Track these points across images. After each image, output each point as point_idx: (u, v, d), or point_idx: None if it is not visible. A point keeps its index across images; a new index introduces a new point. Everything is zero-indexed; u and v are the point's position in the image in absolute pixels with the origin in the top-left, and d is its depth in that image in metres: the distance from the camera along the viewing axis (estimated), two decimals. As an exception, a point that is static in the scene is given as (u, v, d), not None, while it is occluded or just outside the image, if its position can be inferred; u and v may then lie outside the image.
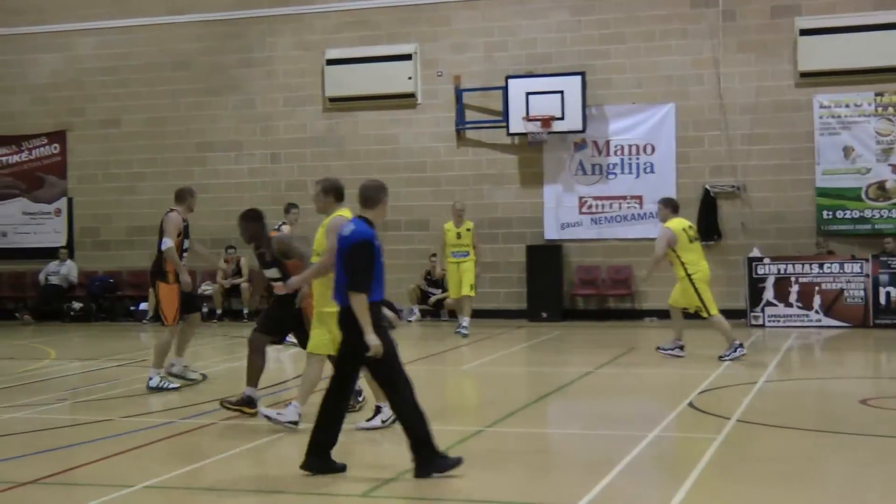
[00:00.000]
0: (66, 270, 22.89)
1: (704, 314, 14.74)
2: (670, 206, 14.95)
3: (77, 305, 22.60)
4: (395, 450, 9.04)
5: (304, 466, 8.17)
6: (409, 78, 21.53)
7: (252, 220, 10.92)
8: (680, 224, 14.72)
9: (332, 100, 22.05)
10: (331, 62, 21.86)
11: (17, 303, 23.48)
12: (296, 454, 8.89)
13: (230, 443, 9.59)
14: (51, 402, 12.27)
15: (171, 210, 12.86)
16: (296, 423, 9.77)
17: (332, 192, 9.69)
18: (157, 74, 23.06)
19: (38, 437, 10.12)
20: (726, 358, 14.37)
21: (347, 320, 8.01)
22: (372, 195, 8.29)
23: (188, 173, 22.69)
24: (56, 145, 23.54)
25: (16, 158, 23.76)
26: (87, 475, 8.63)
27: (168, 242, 12.44)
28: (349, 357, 8.12)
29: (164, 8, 23.07)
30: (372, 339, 7.84)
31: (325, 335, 9.41)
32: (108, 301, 22.81)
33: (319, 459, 8.17)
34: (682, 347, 14.91)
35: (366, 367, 8.18)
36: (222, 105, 22.80)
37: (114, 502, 7.73)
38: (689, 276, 14.53)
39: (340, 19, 22.21)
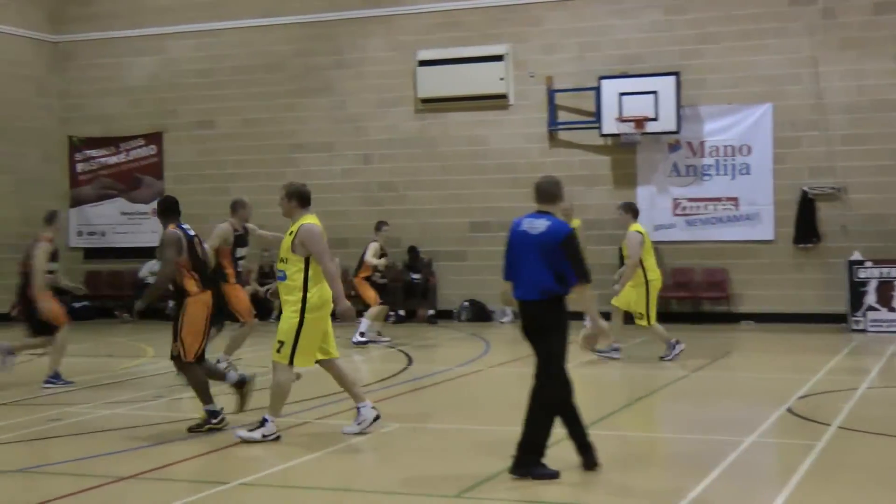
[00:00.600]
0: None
1: (644, 323, 14.82)
2: (631, 211, 15.18)
3: (171, 304, 22.87)
4: (490, 450, 8.98)
5: (513, 470, 8.02)
6: (501, 79, 21.45)
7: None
8: (643, 229, 15.02)
9: (424, 101, 22.06)
10: (423, 63, 21.87)
11: (115, 301, 23.86)
12: (386, 455, 8.89)
13: (322, 442, 9.61)
14: (148, 398, 12.44)
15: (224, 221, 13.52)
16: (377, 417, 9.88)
17: (296, 197, 9.73)
18: (251, 76, 23.29)
19: (135, 433, 10.25)
20: (668, 358, 14.59)
21: (547, 312, 8.01)
22: (554, 191, 8.35)
23: (280, 174, 22.82)
24: (153, 146, 23.91)
25: (114, 160, 24.18)
26: (183, 471, 8.72)
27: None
28: (548, 352, 8.05)
29: (258, 11, 23.30)
30: (603, 323, 7.85)
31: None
32: (202, 299, 23.05)
33: (530, 460, 8.01)
34: (618, 349, 14.98)
35: (541, 351, 8.06)
36: (314, 106, 22.95)
37: (209, 499, 7.78)
38: (647, 282, 14.74)
39: (431, 20, 22.21)
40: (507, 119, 21.80)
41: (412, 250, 21.68)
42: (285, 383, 9.70)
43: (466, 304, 21.46)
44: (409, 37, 22.27)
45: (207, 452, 9.29)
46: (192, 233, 10.41)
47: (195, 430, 10.07)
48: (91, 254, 24.29)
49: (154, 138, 23.88)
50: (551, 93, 21.34)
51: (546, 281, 7.99)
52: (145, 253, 22.89)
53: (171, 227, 10.30)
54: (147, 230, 23.54)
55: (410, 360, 15.41)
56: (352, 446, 9.50)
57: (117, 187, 24.12)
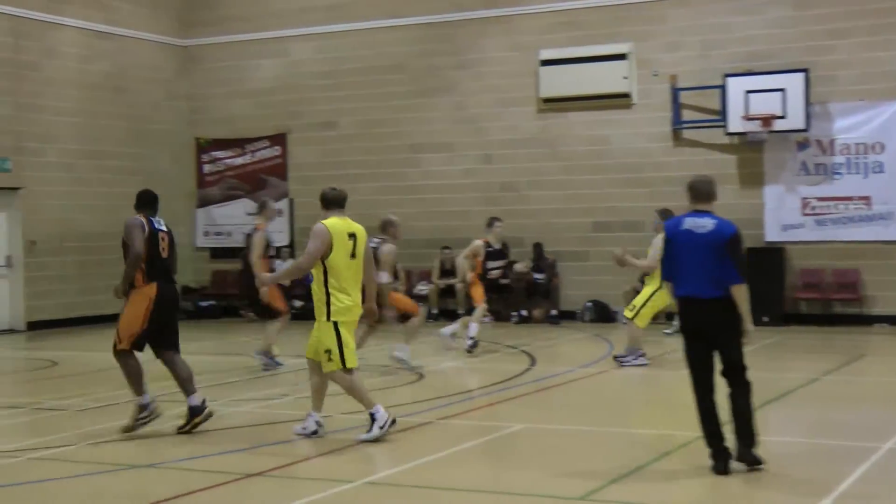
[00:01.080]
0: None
1: (630, 315, 14.59)
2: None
3: (298, 304, 23.15)
4: (615, 451, 8.86)
5: (741, 459, 8.16)
6: (624, 78, 21.21)
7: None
8: None
9: (546, 100, 21.93)
10: (544, 63, 21.74)
11: (241, 300, 24.20)
12: (511, 456, 8.84)
13: (449, 441, 9.60)
14: (274, 396, 12.58)
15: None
16: (315, 432, 9.80)
17: (320, 201, 9.90)
18: (372, 77, 23.45)
19: (261, 431, 10.37)
20: (624, 362, 14.42)
21: (722, 309, 8.13)
22: (710, 189, 8.48)
23: (402, 174, 23.02)
24: (277, 147, 24.24)
25: (239, 161, 24.59)
26: (308, 470, 8.78)
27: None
28: (732, 346, 8.21)
29: (380, 12, 23.44)
30: (751, 327, 8.16)
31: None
32: (326, 298, 23.25)
33: (745, 448, 8.17)
34: (644, 355, 14.66)
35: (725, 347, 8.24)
36: (435, 107, 23.00)
37: (336, 497, 7.82)
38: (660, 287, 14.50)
39: (552, 19, 22.08)
40: (630, 118, 21.55)
41: (537, 248, 21.56)
42: (353, 380, 9.74)
43: (589, 304, 21.28)
44: (529, 37, 22.16)
45: (334, 451, 9.34)
46: (160, 227, 10.54)
47: (182, 430, 10.19)
48: (217, 253, 24.73)
49: (278, 139, 24.21)
50: (675, 91, 21.03)
51: (725, 278, 8.10)
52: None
53: (139, 215, 10.49)
54: (273, 230, 23.81)
55: (533, 361, 15.33)
56: (477, 446, 9.47)
57: (243, 188, 24.51)
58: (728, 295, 8.09)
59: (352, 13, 23.68)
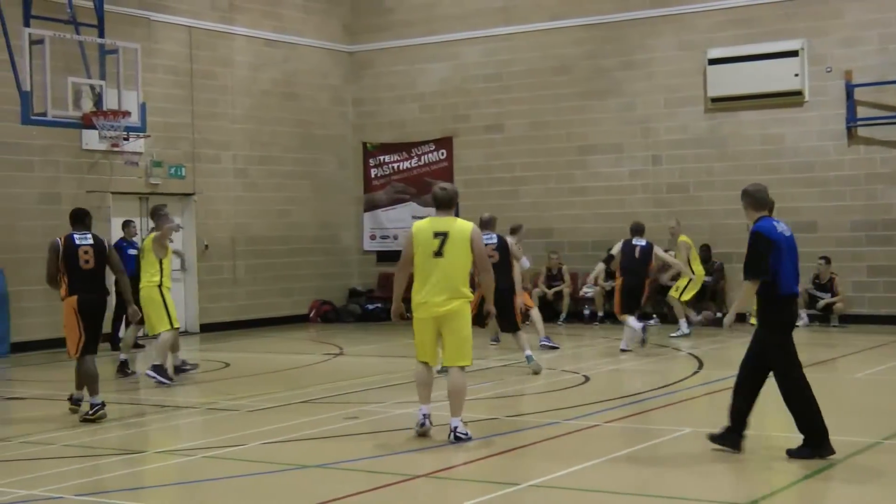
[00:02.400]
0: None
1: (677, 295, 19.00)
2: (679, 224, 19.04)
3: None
4: (783, 457, 8.60)
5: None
6: (796, 75, 20.62)
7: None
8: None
9: (714, 100, 21.49)
10: (713, 62, 21.31)
11: (406, 303, 24.43)
12: (679, 460, 8.66)
13: (614, 445, 9.48)
14: (439, 399, 12.61)
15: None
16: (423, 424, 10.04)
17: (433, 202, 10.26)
18: (539, 79, 23.37)
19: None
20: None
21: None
22: (766, 198, 9.16)
23: (569, 176, 22.88)
24: (443, 151, 24.37)
25: (406, 164, 24.82)
26: (472, 471, 8.76)
27: None
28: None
29: (547, 14, 23.34)
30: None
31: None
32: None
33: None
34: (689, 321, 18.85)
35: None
36: (603, 108, 22.78)
37: (500, 499, 7.79)
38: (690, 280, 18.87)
39: (722, 17, 21.61)
40: (803, 116, 20.93)
41: (705, 250, 21.12)
42: (415, 374, 10.40)
43: (759, 307, 20.71)
44: (698, 35, 21.75)
45: (498, 453, 9.31)
46: (83, 241, 11.53)
47: (84, 418, 11.34)
48: (383, 257, 24.99)
49: (445, 143, 24.35)
50: (849, 87, 20.33)
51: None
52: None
53: (60, 236, 11.63)
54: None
55: (701, 364, 15.03)
56: (643, 451, 9.31)
57: (409, 192, 24.72)
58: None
59: (518, 16, 23.66)
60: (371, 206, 25.22)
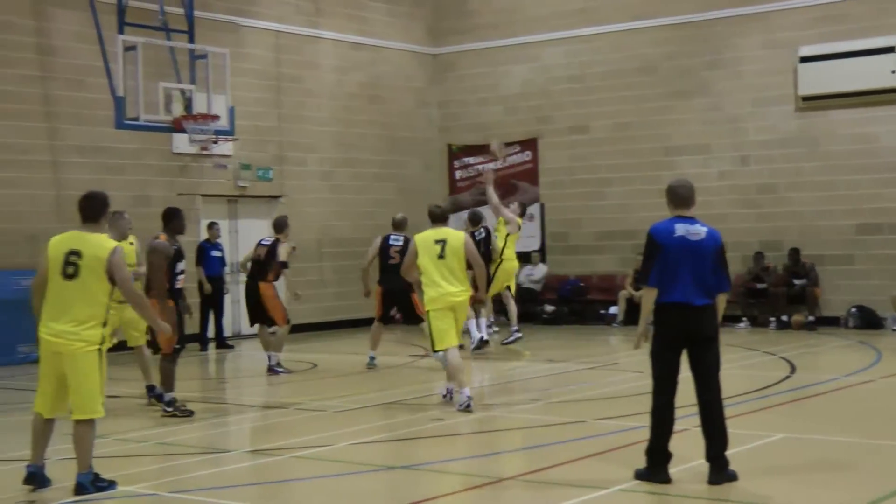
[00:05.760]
0: (538, 274, 23.57)
1: None
2: None
3: (549, 308, 23.17)
4: (884, 465, 8.40)
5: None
6: (893, 72, 20.17)
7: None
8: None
9: (806, 98, 21.13)
10: (804, 59, 20.94)
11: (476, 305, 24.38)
12: (769, 466, 8.52)
13: (700, 450, 9.32)
14: (524, 402, 12.57)
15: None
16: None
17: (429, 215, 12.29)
18: (623, 80, 23.19)
19: (513, 435, 10.37)
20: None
21: (710, 316, 8.17)
22: (692, 194, 8.43)
23: (655, 178, 22.59)
24: (528, 152, 24.31)
25: (491, 166, 24.72)
26: (562, 475, 8.69)
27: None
28: (717, 356, 8.33)
29: (629, 14, 23.16)
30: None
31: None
32: (578, 304, 23.19)
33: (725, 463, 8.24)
34: None
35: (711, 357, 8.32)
36: (689, 108, 22.53)
37: (591, 502, 7.72)
38: None
39: (812, 14, 21.24)
40: (898, 114, 20.49)
41: (793, 253, 20.77)
42: (447, 358, 11.64)
43: (854, 310, 20.29)
44: (788, 33, 21.40)
45: (587, 456, 9.23)
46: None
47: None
48: (469, 258, 24.96)
49: (529, 144, 24.27)
50: (947, 84, 19.88)
51: (713, 286, 8.14)
52: (523, 258, 23.17)
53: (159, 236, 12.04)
54: (524, 235, 23.85)
55: (793, 368, 14.77)
56: (735, 455, 9.14)
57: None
58: (714, 303, 8.15)
59: (601, 16, 23.51)
60: (456, 209, 25.20)
